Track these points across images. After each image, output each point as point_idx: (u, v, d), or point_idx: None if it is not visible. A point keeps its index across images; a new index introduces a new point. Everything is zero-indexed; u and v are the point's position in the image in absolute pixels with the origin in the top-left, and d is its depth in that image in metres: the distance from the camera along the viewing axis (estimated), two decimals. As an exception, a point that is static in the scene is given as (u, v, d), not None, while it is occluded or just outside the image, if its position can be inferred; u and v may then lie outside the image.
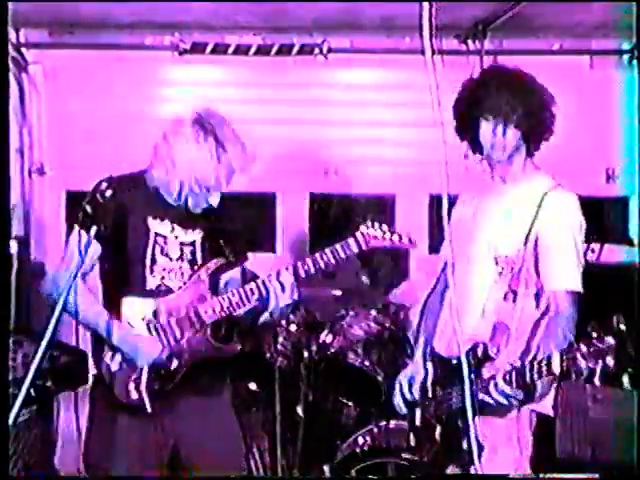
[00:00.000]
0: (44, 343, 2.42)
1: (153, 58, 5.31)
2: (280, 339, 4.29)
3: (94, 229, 2.72)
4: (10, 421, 2.35)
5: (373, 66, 5.36)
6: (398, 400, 3.23)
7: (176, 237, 3.09)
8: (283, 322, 4.35)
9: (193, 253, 3.11)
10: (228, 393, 3.27)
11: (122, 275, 3.06)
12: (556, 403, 2.99)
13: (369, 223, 3.04)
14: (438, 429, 3.06)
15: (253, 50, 5.23)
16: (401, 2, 4.25)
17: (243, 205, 5.55)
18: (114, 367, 3.02)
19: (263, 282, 3.03)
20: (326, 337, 4.31)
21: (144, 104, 5.30)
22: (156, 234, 3.08)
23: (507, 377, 2.77)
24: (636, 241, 5.08)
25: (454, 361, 2.89)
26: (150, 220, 3.07)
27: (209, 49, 5.23)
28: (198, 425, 3.09)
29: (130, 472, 3.02)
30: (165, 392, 3.03)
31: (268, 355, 4.31)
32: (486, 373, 2.84)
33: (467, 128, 3.03)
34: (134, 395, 3.00)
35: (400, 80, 5.20)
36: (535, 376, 2.69)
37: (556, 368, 2.60)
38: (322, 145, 5.35)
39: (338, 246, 3.04)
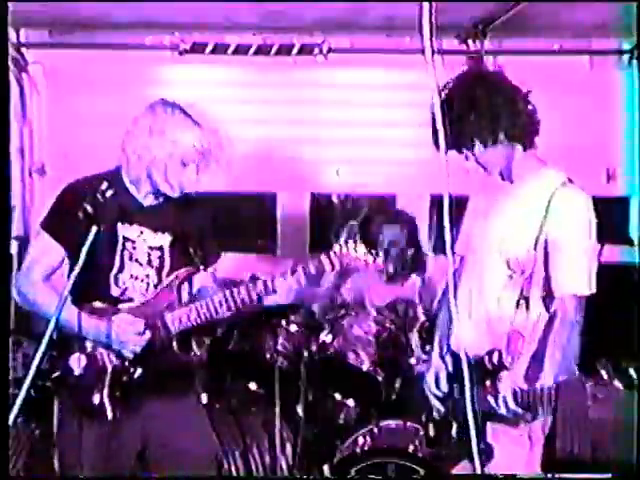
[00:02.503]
0: (44, 343, 2.42)
1: (153, 58, 5.31)
2: (280, 339, 4.29)
3: (94, 229, 2.71)
4: (10, 421, 2.35)
5: (373, 66, 5.35)
6: (433, 401, 3.20)
7: (144, 240, 3.05)
8: (283, 322, 4.36)
9: (161, 258, 3.06)
10: (196, 396, 3.25)
11: (87, 281, 2.97)
12: (556, 403, 2.99)
13: (342, 242, 2.99)
14: (455, 426, 3.06)
15: (253, 50, 5.23)
16: (401, 2, 4.25)
17: (241, 205, 5.60)
18: (77, 371, 3.00)
19: (231, 293, 2.98)
20: (326, 337, 4.31)
21: (144, 104, 5.29)
22: (124, 238, 3.04)
23: (516, 396, 2.77)
24: (636, 241, 5.08)
25: (470, 361, 2.87)
26: (119, 225, 3.03)
27: (209, 49, 5.23)
28: (164, 430, 3.06)
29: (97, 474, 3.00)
30: (129, 398, 3.00)
31: (268, 355, 4.31)
32: (501, 381, 2.84)
33: (455, 149, 2.99)
34: (96, 400, 2.97)
35: (400, 80, 5.20)
36: (540, 403, 2.70)
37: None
38: (322, 145, 5.35)
39: (311, 265, 2.99)
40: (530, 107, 2.99)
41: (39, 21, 5.01)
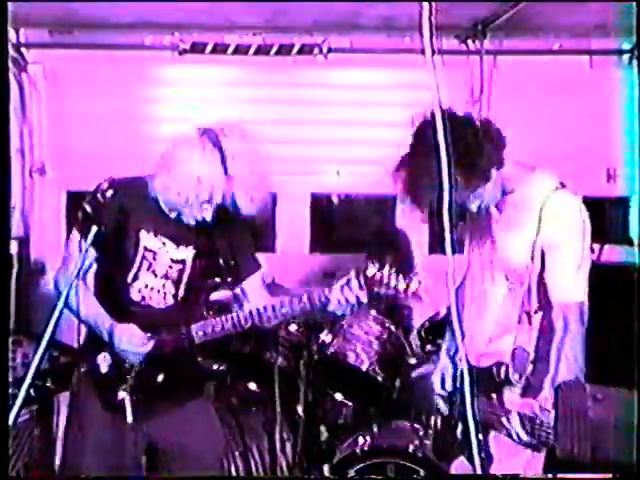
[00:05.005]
0: (44, 343, 2.42)
1: (153, 58, 5.31)
2: (280, 339, 4.29)
3: (94, 229, 2.70)
4: (10, 421, 2.35)
5: (373, 66, 5.36)
6: (438, 401, 3.20)
7: (167, 252, 3.01)
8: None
9: (181, 272, 3.03)
10: (209, 396, 3.23)
11: (108, 281, 3.02)
12: (556, 403, 2.99)
13: (378, 267, 2.84)
14: (460, 427, 3.06)
15: (253, 50, 5.23)
16: (401, 2, 4.26)
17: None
18: (104, 369, 3.00)
19: (258, 311, 2.94)
20: (326, 337, 4.31)
21: (144, 104, 5.31)
22: (145, 249, 2.99)
23: (523, 423, 2.77)
24: (636, 241, 5.08)
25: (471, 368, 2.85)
26: (143, 233, 2.98)
27: (209, 49, 5.24)
28: (176, 429, 3.07)
29: (105, 472, 2.99)
30: (148, 401, 2.99)
31: (268, 355, 4.31)
32: (507, 396, 2.84)
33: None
34: (118, 399, 2.96)
35: (400, 80, 5.21)
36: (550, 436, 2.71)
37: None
38: (322, 145, 5.35)
39: (338, 286, 2.88)
40: (481, 134, 2.81)
41: (39, 21, 5.01)
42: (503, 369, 2.87)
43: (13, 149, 4.96)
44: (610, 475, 3.04)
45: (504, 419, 2.81)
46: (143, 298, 3.03)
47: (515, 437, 2.79)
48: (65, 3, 4.65)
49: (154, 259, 3.01)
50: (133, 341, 2.96)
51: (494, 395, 2.84)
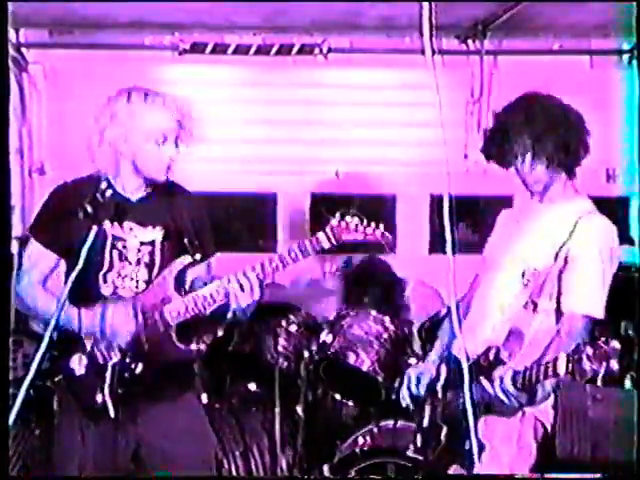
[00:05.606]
0: (44, 343, 2.42)
1: (153, 58, 5.31)
2: (280, 339, 4.29)
3: (94, 229, 2.70)
4: (10, 421, 2.35)
5: (373, 66, 5.36)
6: (404, 392, 3.24)
7: (135, 236, 3.00)
8: (283, 322, 4.36)
9: (152, 254, 3.01)
10: (196, 396, 3.22)
11: (78, 281, 2.84)
12: (556, 403, 2.99)
13: (339, 216, 2.92)
14: (444, 430, 3.07)
15: (253, 50, 5.24)
16: (401, 2, 4.26)
17: (242, 204, 5.60)
18: (79, 371, 2.98)
19: (228, 281, 2.91)
20: (326, 337, 4.31)
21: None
22: (114, 237, 2.99)
23: (514, 377, 2.77)
24: (636, 241, 5.08)
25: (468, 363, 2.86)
26: (108, 223, 2.95)
27: (209, 49, 5.24)
28: (163, 428, 3.02)
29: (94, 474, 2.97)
30: (130, 396, 2.96)
31: (268, 355, 4.31)
32: (497, 376, 2.84)
33: (499, 162, 3.05)
34: (99, 399, 2.94)
35: (400, 80, 5.21)
36: (540, 377, 2.70)
37: (561, 369, 2.61)
38: (322, 145, 5.35)
39: (307, 242, 2.91)
40: (588, 139, 3.04)
41: (39, 21, 5.01)
42: (493, 351, 2.89)
43: (13, 149, 4.96)
44: (599, 475, 3.04)
45: (491, 384, 2.82)
46: (115, 290, 3.00)
47: (501, 393, 2.79)
48: (65, 3, 4.65)
49: (124, 247, 3.00)
50: (121, 318, 2.93)
51: (482, 378, 2.86)
